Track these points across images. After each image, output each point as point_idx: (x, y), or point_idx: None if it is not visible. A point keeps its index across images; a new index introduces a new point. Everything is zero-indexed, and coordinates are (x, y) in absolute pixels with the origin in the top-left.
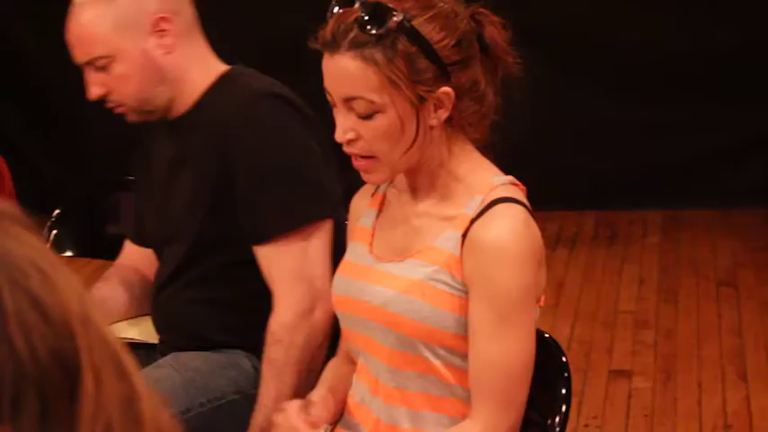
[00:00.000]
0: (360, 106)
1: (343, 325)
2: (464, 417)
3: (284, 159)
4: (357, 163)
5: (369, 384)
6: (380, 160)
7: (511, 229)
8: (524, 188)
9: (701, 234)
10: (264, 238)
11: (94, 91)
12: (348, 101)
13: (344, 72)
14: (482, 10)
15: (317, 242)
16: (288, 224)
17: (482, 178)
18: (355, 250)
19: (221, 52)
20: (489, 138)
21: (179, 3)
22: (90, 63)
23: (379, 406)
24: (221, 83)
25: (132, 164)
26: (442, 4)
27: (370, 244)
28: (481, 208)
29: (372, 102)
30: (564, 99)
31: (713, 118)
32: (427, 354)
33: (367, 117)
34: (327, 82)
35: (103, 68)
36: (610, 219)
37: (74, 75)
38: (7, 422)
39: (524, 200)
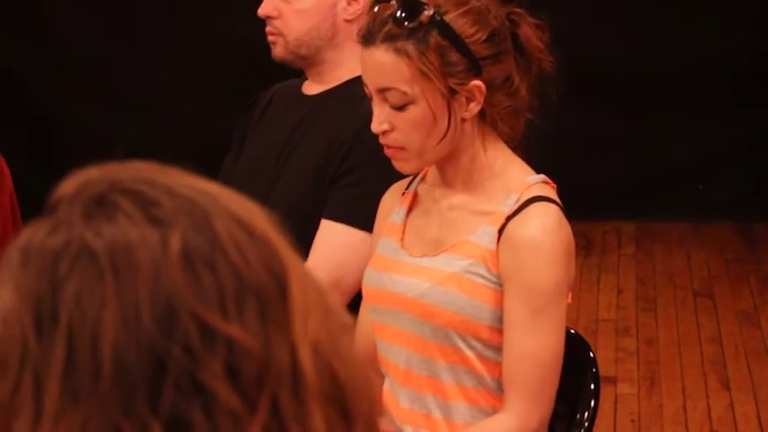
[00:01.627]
0: (393, 97)
1: (373, 318)
2: (494, 407)
3: (384, 169)
4: (388, 151)
5: (396, 376)
6: (410, 150)
7: (546, 227)
8: (555, 186)
9: (675, 246)
10: (343, 218)
11: (268, 8)
12: (382, 91)
13: (378, 64)
14: (518, 10)
15: (364, 255)
16: (360, 222)
17: (517, 176)
18: (386, 245)
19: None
20: (522, 135)
21: None
22: None
23: (410, 396)
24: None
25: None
26: (474, 1)
27: (402, 239)
28: (517, 206)
29: (405, 93)
30: (538, 110)
31: (686, 131)
32: (461, 345)
33: (400, 108)
34: (364, 74)
35: None
36: (583, 230)
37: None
38: (235, 321)
39: (557, 198)
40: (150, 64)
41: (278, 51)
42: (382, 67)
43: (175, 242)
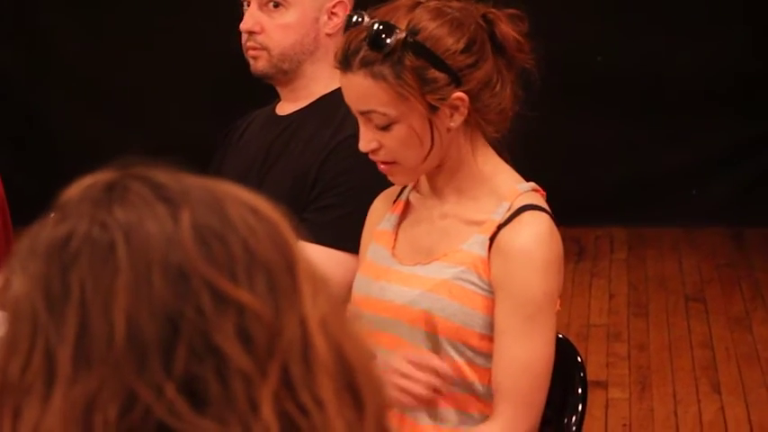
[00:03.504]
0: (376, 119)
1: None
2: (482, 413)
3: (365, 186)
4: (381, 167)
5: None
6: (402, 165)
7: (537, 236)
8: (544, 193)
9: (667, 251)
10: (321, 240)
11: (250, 23)
12: (365, 114)
13: (358, 89)
14: (492, 10)
15: (349, 274)
16: (344, 243)
17: (507, 183)
18: (377, 252)
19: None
20: (513, 140)
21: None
22: None
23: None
24: (337, 96)
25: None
26: (450, 11)
27: (393, 247)
28: (509, 215)
29: (386, 114)
30: (529, 116)
31: (677, 137)
32: (452, 352)
33: (385, 128)
34: (345, 97)
35: (275, 7)
36: (576, 235)
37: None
38: (246, 288)
39: (547, 207)
40: (141, 69)
41: (260, 66)
42: (362, 91)
43: (186, 217)
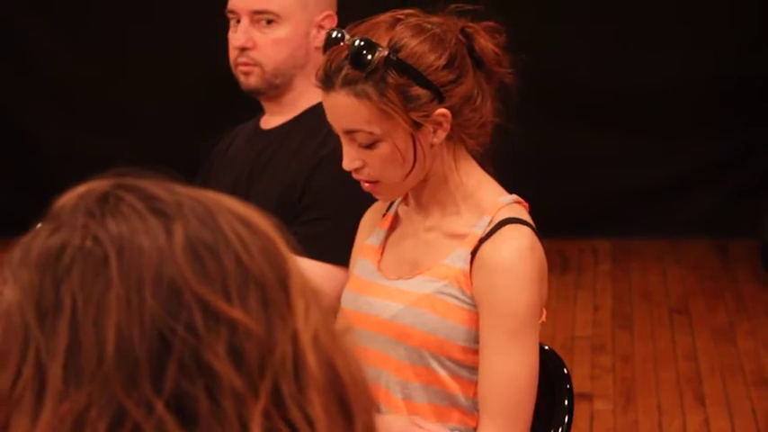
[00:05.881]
0: (360, 137)
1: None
2: (467, 426)
3: (352, 198)
4: (364, 185)
5: (379, 397)
6: (385, 183)
7: (519, 250)
8: (527, 205)
9: (651, 263)
10: (309, 253)
11: (243, 39)
12: (348, 133)
13: (341, 108)
14: (471, 24)
15: (337, 287)
16: (331, 256)
17: (489, 196)
18: (364, 267)
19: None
20: (489, 145)
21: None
22: (259, 13)
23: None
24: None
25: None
26: (430, 27)
27: (379, 261)
28: (490, 228)
29: (371, 133)
30: (512, 129)
31: (661, 149)
32: (435, 365)
33: (369, 146)
34: (328, 116)
35: (268, 23)
36: (560, 247)
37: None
38: (238, 305)
39: (529, 219)
40: (127, 81)
41: (252, 81)
42: (345, 110)
43: (179, 231)
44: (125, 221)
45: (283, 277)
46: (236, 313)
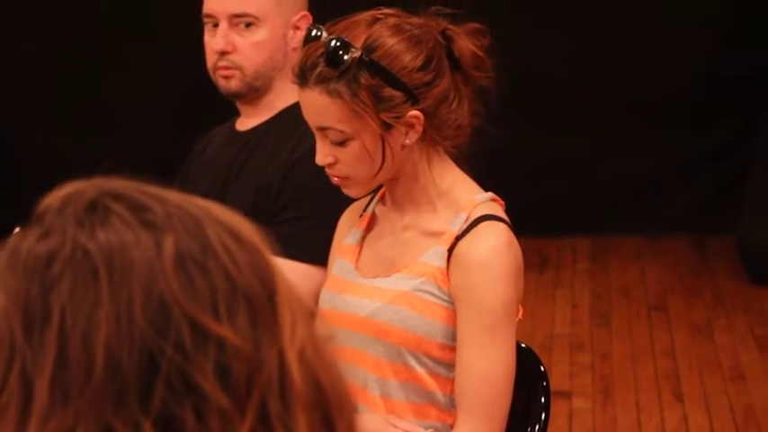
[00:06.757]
0: (332, 135)
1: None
2: (444, 422)
3: (328, 198)
4: (334, 180)
5: (357, 395)
6: (355, 179)
7: (495, 247)
8: (503, 202)
9: (630, 261)
10: (286, 253)
11: (222, 43)
12: (321, 130)
13: (314, 105)
14: (451, 27)
15: (315, 287)
16: (309, 255)
17: (465, 194)
18: (341, 266)
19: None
20: (466, 147)
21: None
22: (238, 16)
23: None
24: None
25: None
26: (409, 27)
27: (357, 260)
28: (466, 225)
29: (342, 131)
30: (490, 129)
31: (639, 147)
32: (413, 363)
33: (340, 144)
34: (303, 112)
35: (246, 26)
36: (538, 246)
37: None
38: (227, 324)
39: (505, 216)
40: (107, 84)
41: (233, 85)
42: (318, 108)
43: (169, 245)
44: (115, 233)
45: (271, 291)
46: (225, 331)
